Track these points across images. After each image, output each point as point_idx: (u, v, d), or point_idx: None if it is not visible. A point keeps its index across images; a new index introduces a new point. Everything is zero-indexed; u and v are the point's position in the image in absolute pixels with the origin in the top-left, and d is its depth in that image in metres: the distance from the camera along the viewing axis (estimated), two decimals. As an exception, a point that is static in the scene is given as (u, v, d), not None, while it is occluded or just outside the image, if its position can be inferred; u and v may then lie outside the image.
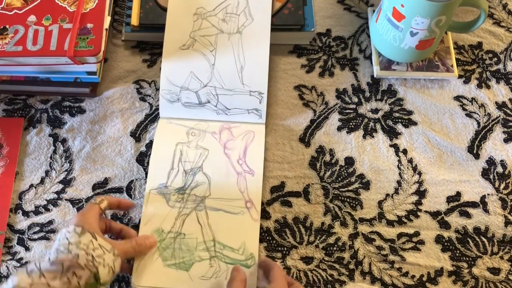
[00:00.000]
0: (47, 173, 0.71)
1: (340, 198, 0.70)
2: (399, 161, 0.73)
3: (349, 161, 0.73)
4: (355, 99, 0.77)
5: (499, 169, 0.73)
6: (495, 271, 0.67)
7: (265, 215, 0.69)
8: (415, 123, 0.75)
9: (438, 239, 0.69)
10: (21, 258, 0.66)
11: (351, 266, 0.67)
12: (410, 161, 0.73)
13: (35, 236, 0.68)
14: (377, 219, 0.69)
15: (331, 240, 0.68)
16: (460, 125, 0.76)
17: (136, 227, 0.67)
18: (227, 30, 0.74)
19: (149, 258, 0.64)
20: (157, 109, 0.74)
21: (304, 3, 0.78)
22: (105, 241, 0.56)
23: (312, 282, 0.66)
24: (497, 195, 0.72)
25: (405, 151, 0.74)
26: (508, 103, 0.78)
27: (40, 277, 0.50)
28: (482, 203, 0.71)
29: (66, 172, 0.71)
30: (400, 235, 0.69)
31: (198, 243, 0.65)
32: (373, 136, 0.74)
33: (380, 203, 0.70)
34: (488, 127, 0.76)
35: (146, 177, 0.70)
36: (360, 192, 0.71)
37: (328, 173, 0.72)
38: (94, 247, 0.54)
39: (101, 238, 0.56)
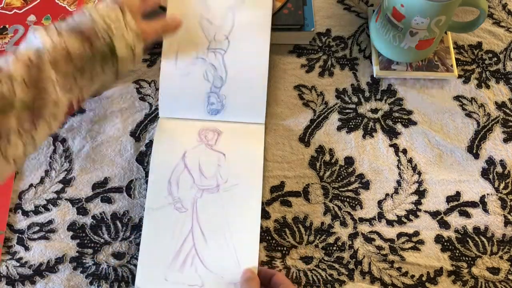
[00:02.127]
0: (46, 172, 0.71)
1: (339, 198, 0.70)
2: (399, 161, 0.73)
3: (349, 161, 0.73)
4: (355, 99, 0.77)
5: (499, 169, 0.73)
6: (494, 271, 0.67)
7: (264, 215, 0.69)
8: (414, 123, 0.76)
9: (438, 239, 0.69)
10: (21, 258, 0.66)
11: (351, 266, 0.67)
12: (410, 161, 0.73)
13: (35, 236, 0.68)
14: (377, 219, 0.69)
15: (331, 240, 0.68)
16: (460, 125, 0.76)
17: (136, 226, 0.67)
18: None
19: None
20: (157, 108, 0.74)
21: (304, 3, 0.78)
22: (134, 21, 0.54)
23: (311, 282, 0.66)
24: (497, 195, 0.72)
25: (404, 151, 0.74)
26: (508, 103, 0.78)
27: (58, 36, 0.49)
28: (482, 203, 0.71)
29: (65, 172, 0.71)
30: (399, 235, 0.69)
31: None
32: (372, 136, 0.74)
33: (379, 203, 0.70)
34: (487, 127, 0.76)
35: (146, 176, 0.70)
36: (360, 192, 0.71)
37: (327, 173, 0.72)
38: (116, 19, 0.52)
39: (130, 16, 0.54)
